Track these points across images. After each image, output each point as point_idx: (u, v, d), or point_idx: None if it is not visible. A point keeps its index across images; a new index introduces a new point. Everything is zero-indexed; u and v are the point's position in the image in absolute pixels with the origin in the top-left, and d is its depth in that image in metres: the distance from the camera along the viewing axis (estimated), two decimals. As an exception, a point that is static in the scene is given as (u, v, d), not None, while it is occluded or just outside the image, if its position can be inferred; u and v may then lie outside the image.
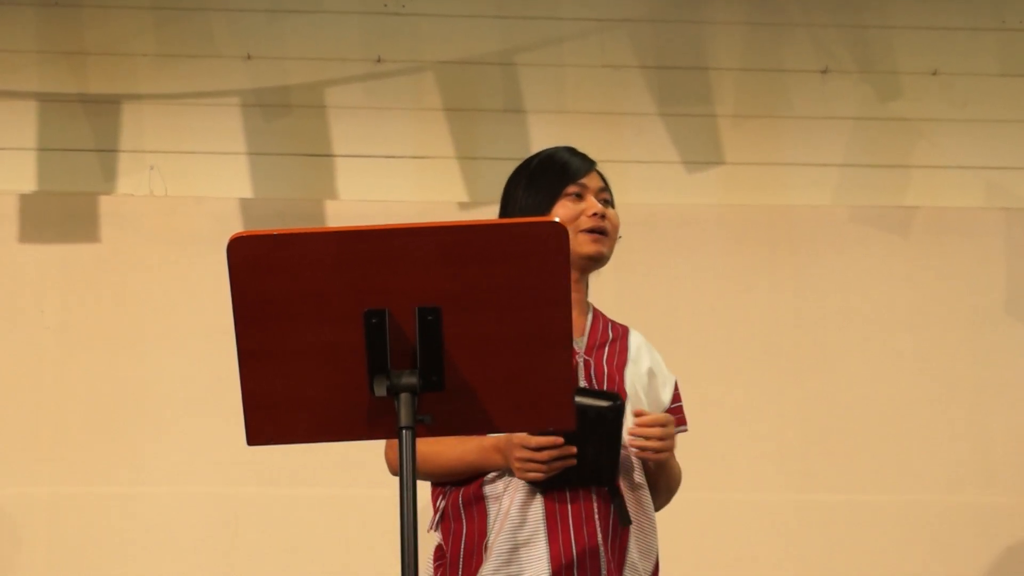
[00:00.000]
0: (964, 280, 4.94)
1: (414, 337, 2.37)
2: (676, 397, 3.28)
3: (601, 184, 3.19)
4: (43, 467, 4.64)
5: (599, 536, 2.98)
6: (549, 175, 3.16)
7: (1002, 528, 4.81)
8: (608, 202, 3.18)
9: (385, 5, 5.01)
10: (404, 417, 2.35)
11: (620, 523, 3.01)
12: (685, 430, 3.23)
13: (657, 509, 3.18)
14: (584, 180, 3.16)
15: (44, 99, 4.88)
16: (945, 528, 4.79)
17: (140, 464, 4.66)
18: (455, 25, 5.01)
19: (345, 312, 2.36)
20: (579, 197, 3.14)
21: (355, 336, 2.36)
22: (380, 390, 2.36)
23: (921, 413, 4.86)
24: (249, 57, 4.94)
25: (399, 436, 2.34)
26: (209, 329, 4.65)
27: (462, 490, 3.05)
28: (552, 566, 2.95)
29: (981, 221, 4.99)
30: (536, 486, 2.98)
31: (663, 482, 3.16)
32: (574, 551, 2.96)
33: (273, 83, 4.94)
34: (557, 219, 2.39)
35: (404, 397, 2.36)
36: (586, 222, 3.12)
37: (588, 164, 3.20)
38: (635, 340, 3.22)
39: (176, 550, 4.61)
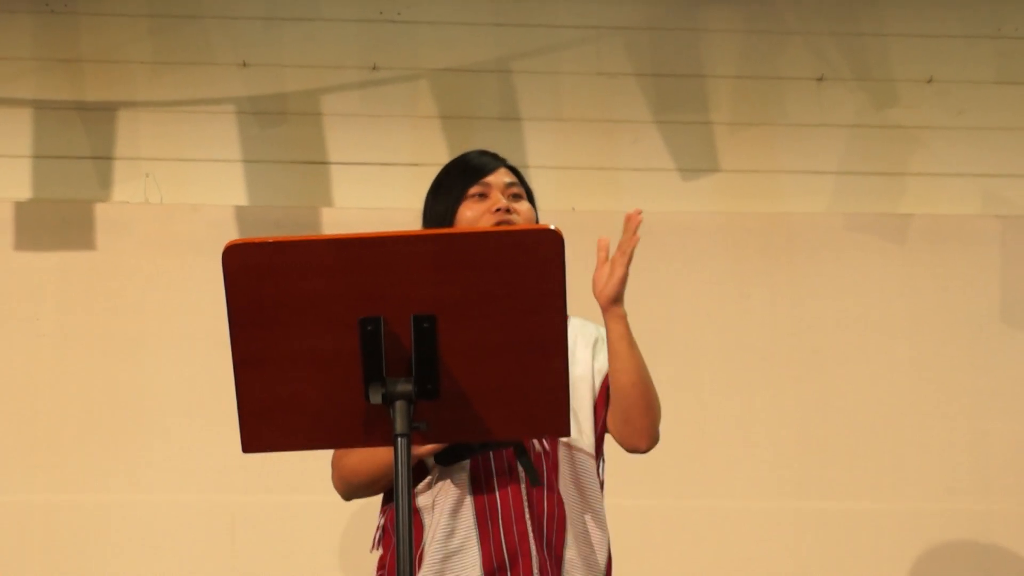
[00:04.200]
0: (960, 287, 4.94)
1: (409, 345, 2.36)
2: None
3: (508, 180, 3.13)
4: (39, 475, 4.63)
5: (530, 535, 2.95)
6: (452, 178, 3.12)
7: (999, 535, 4.81)
8: (519, 196, 3.13)
9: (381, 13, 5.01)
10: (399, 425, 2.35)
11: (531, 483, 2.97)
12: None
13: (643, 431, 3.06)
14: (488, 179, 3.11)
15: (40, 106, 4.88)
16: (942, 535, 4.79)
17: (136, 472, 4.65)
18: (451, 32, 5.01)
19: (340, 319, 2.36)
20: (483, 196, 3.09)
21: (350, 343, 2.36)
22: (375, 398, 2.35)
23: (918, 420, 4.86)
24: (245, 65, 4.94)
25: (394, 444, 2.34)
26: (205, 336, 4.64)
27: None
28: (484, 570, 2.93)
29: (977, 229, 4.99)
30: (446, 459, 2.94)
31: (635, 361, 3.03)
32: (505, 553, 2.94)
33: (269, 91, 4.94)
34: (553, 226, 2.37)
35: (399, 405, 2.35)
36: (489, 219, 3.05)
37: (493, 163, 3.14)
38: (570, 329, 3.16)
39: (173, 557, 4.61)
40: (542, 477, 2.99)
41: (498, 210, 3.06)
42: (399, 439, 2.34)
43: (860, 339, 4.89)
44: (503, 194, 3.10)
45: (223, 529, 4.64)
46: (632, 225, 2.98)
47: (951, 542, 4.79)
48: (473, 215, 3.08)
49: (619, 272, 3.01)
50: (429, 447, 2.92)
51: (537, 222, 3.12)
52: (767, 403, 4.83)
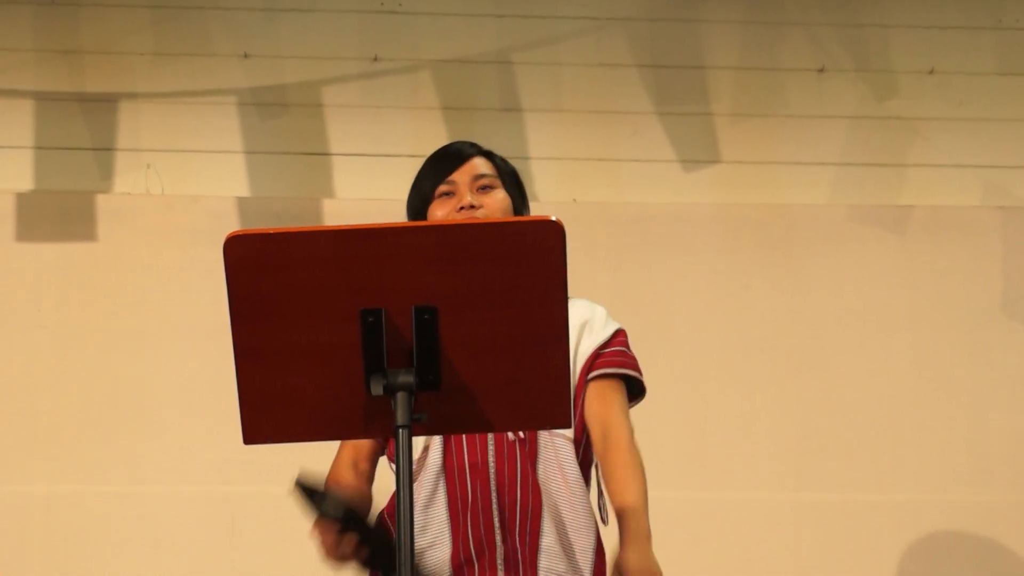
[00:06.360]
0: (961, 278, 4.94)
1: (410, 336, 2.37)
2: (612, 343, 3.13)
3: (476, 172, 3.12)
4: (39, 466, 4.63)
5: (496, 528, 2.95)
6: (423, 178, 3.15)
7: (999, 527, 4.81)
8: (489, 187, 3.12)
9: (381, 3, 5.01)
10: (400, 416, 2.35)
11: None
12: (619, 373, 3.09)
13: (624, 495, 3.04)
14: (453, 176, 3.11)
15: (41, 97, 4.88)
16: (941, 527, 4.79)
17: (136, 463, 4.65)
18: (452, 24, 5.01)
19: (342, 311, 2.36)
20: (450, 195, 3.10)
21: (352, 335, 2.36)
22: (376, 389, 2.36)
23: (917, 411, 4.86)
24: (246, 56, 4.94)
25: (395, 435, 2.35)
26: (206, 328, 4.64)
27: None
28: (452, 565, 2.94)
29: (978, 219, 4.99)
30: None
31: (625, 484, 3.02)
32: (472, 546, 2.94)
33: (270, 82, 4.94)
34: (554, 217, 2.37)
35: (400, 396, 2.36)
36: (456, 217, 3.05)
37: (460, 157, 3.14)
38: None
39: (173, 549, 4.61)
40: (514, 467, 2.99)
41: (461, 208, 3.07)
42: (400, 430, 2.34)
43: (860, 330, 4.89)
44: (470, 188, 3.10)
45: (223, 521, 4.64)
46: None
47: (950, 533, 4.80)
48: (442, 214, 3.09)
49: None
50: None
51: (524, 209, 3.14)
52: (766, 394, 4.83)
